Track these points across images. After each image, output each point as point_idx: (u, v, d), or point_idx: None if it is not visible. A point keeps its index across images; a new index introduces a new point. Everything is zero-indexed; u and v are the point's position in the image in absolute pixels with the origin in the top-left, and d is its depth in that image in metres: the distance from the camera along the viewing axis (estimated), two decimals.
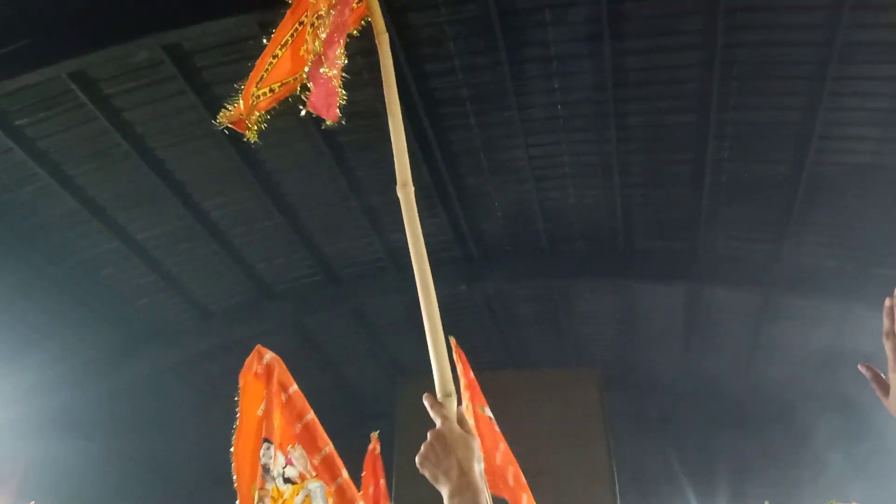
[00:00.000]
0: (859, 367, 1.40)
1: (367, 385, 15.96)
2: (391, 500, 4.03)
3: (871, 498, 10.45)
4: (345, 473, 2.58)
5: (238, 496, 2.48)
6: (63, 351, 12.88)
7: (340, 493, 2.51)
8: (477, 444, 1.20)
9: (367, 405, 15.78)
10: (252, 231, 11.70)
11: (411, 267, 2.04)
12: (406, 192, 2.02)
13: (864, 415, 10.47)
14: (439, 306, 1.86)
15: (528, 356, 14.98)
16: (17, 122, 9.04)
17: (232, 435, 2.58)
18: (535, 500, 3.82)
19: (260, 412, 2.54)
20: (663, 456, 14.42)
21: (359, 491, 2.95)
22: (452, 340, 4.31)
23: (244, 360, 3.30)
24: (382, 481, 4.14)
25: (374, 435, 4.41)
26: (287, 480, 2.48)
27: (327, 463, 2.54)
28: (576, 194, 11.26)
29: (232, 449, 2.56)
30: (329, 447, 2.61)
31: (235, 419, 2.62)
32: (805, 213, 10.28)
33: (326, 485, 2.53)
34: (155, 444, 15.55)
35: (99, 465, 14.72)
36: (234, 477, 2.51)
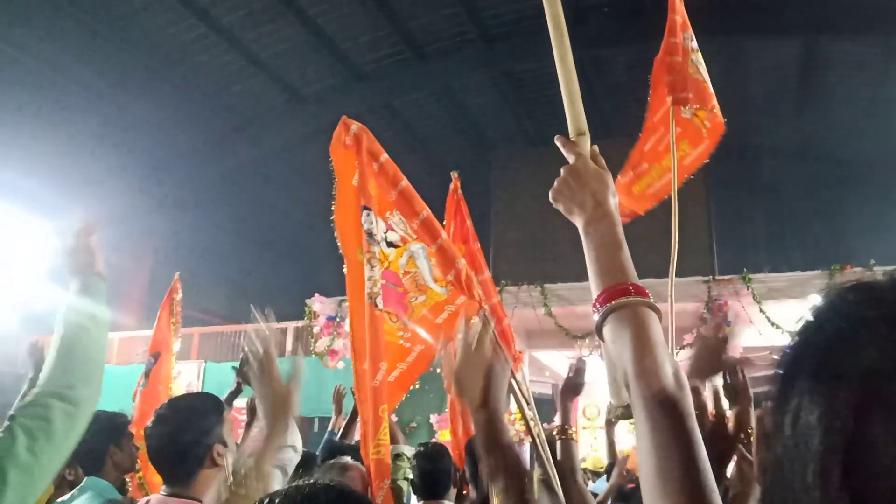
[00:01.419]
0: None
1: (459, 164, 16.10)
2: (489, 266, 4.00)
3: None
4: (444, 234, 2.64)
5: (345, 261, 2.58)
6: (168, 138, 13.56)
7: (441, 252, 2.58)
8: (611, 179, 1.15)
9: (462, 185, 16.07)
10: (334, 8, 11.28)
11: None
12: None
13: None
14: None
15: (626, 125, 14.48)
16: None
17: (332, 206, 2.64)
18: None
19: (354, 182, 2.57)
20: (766, 220, 14.21)
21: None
22: (453, 175, 4.18)
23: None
24: (469, 221, 3.97)
25: (455, 174, 4.18)
26: (390, 244, 2.57)
27: (426, 226, 2.59)
28: None
29: (333, 218, 2.63)
30: (426, 211, 2.65)
31: (334, 192, 2.66)
32: None
33: (427, 246, 2.60)
34: (262, 220, 16.70)
35: (212, 241, 16.10)
36: (339, 244, 2.60)
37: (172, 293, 4.89)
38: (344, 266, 2.62)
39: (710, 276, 9.21)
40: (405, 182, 2.64)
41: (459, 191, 4.08)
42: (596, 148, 1.22)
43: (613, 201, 1.13)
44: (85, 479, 2.67)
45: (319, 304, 9.01)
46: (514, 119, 14.36)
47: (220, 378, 10.08)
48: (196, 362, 10.45)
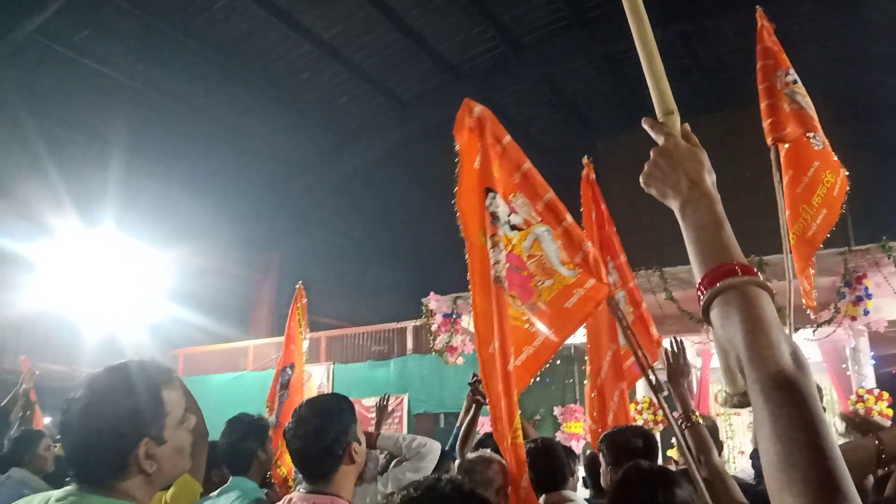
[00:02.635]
0: None
1: (565, 152, 15.88)
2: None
3: None
4: (569, 217, 2.59)
5: (466, 244, 2.56)
6: (285, 155, 14.29)
7: (567, 235, 2.54)
8: (706, 156, 1.10)
9: (565, 173, 15.85)
10: (428, 11, 11.46)
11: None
12: None
13: None
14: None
15: (736, 96, 13.75)
16: None
17: (454, 190, 2.64)
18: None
19: (476, 165, 2.54)
20: None
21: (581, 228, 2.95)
22: (585, 161, 4.04)
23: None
24: (603, 206, 3.92)
25: (586, 160, 4.05)
26: (513, 227, 2.54)
27: (550, 208, 2.56)
28: None
29: (455, 202, 2.61)
30: (551, 193, 2.60)
31: (456, 175, 2.65)
32: None
33: (553, 228, 2.56)
34: (376, 225, 17.20)
35: (331, 248, 16.74)
36: (461, 227, 2.59)
37: (297, 301, 5.09)
38: (465, 251, 2.59)
39: (846, 248, 8.56)
40: (528, 164, 2.61)
41: (592, 175, 4.01)
42: (687, 126, 1.17)
43: (710, 179, 1.07)
44: (231, 478, 2.86)
45: (435, 303, 9.17)
46: (618, 102, 14.00)
47: (348, 378, 10.52)
48: (325, 364, 10.94)
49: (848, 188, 3.39)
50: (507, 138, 2.60)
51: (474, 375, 3.64)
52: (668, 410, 2.28)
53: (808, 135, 3.21)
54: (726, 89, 13.48)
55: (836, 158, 3.36)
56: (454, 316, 8.98)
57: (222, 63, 11.62)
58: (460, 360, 8.96)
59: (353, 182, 15.21)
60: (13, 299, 10.39)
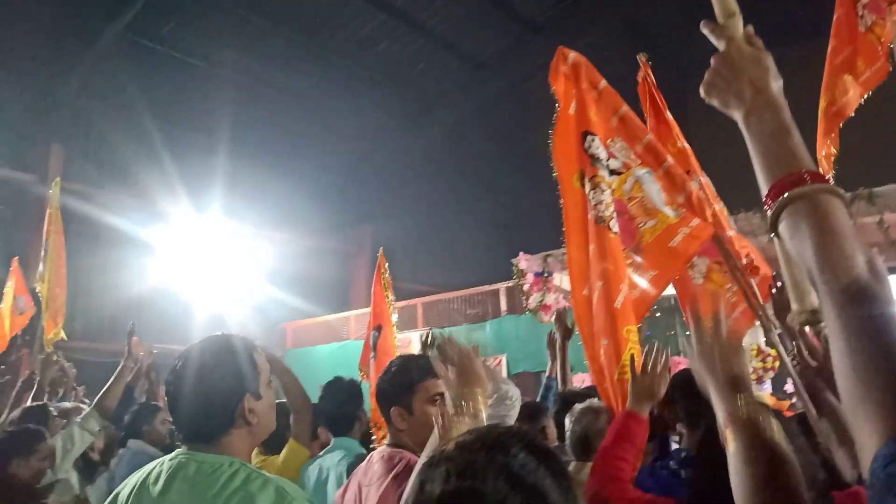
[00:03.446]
0: None
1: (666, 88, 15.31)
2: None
3: None
4: (670, 158, 2.51)
5: (560, 189, 2.56)
6: (368, 128, 14.47)
7: (669, 176, 2.47)
8: (771, 61, 1.02)
9: None
10: None
11: None
12: None
13: None
14: None
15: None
16: None
17: (549, 137, 2.62)
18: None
19: (572, 111, 2.53)
20: None
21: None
22: (641, 58, 3.68)
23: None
24: (668, 114, 3.29)
25: (642, 57, 3.51)
26: (612, 172, 2.51)
27: (650, 150, 2.49)
28: None
29: (550, 144, 2.60)
30: (650, 135, 2.54)
31: (553, 121, 2.64)
32: None
33: (653, 170, 2.50)
34: (462, 189, 17.18)
35: (420, 215, 16.90)
36: (555, 174, 2.58)
37: (380, 268, 5.23)
38: (561, 198, 2.59)
39: None
40: (626, 107, 2.56)
41: (651, 76, 3.55)
42: (750, 29, 1.08)
43: (776, 85, 0.99)
44: (333, 439, 2.98)
45: (525, 262, 9.12)
46: (702, 36, 13.25)
47: None
48: (421, 330, 11.17)
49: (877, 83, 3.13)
50: (603, 83, 2.56)
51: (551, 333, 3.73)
52: (783, 351, 2.19)
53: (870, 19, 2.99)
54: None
55: (879, 51, 3.09)
56: (545, 274, 8.91)
57: (303, 43, 11.86)
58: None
59: (435, 148, 15.25)
60: (134, 280, 11.26)
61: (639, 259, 2.46)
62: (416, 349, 10.97)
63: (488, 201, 17.72)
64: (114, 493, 1.56)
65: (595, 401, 2.58)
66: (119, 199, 11.27)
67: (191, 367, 1.52)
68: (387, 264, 5.23)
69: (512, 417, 2.22)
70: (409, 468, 1.78)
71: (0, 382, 4.91)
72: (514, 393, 2.26)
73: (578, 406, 2.62)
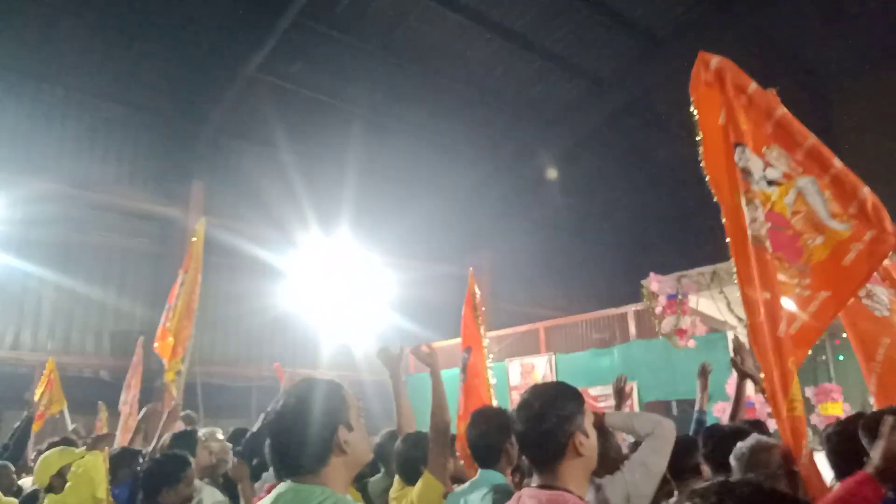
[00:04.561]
0: None
1: (795, 104, 14.29)
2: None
3: None
4: (837, 163, 2.22)
5: (722, 209, 2.31)
6: (485, 152, 14.50)
7: (837, 183, 2.18)
8: None
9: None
10: None
11: None
12: None
13: None
14: None
15: None
16: None
17: (698, 151, 2.39)
18: None
19: (721, 120, 2.29)
20: None
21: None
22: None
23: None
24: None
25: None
26: (770, 182, 2.24)
27: (813, 155, 2.21)
28: None
29: (702, 164, 2.37)
30: (811, 139, 2.26)
31: (698, 137, 2.41)
32: None
33: (818, 178, 2.22)
34: (583, 212, 16.78)
35: (541, 240, 16.65)
36: (713, 191, 2.35)
37: (470, 289, 5.09)
38: (722, 216, 2.35)
39: None
40: (782, 110, 2.32)
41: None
42: None
43: None
44: (479, 471, 2.82)
45: (656, 284, 8.63)
46: (843, 42, 12.26)
47: (571, 368, 10.34)
48: (546, 355, 10.88)
49: None
50: (753, 86, 2.31)
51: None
52: None
53: None
54: None
55: None
56: (679, 296, 8.40)
57: (420, 72, 12.08)
58: (691, 343, 8.36)
59: (555, 169, 15.01)
60: (267, 307, 11.81)
61: (806, 281, 2.17)
62: (539, 375, 10.70)
63: (611, 222, 17.21)
64: None
65: (762, 437, 2.31)
66: (255, 230, 11.90)
67: (289, 405, 1.69)
68: (476, 286, 5.10)
69: (667, 446, 2.03)
70: None
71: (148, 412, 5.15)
72: (662, 421, 2.06)
73: (748, 445, 2.34)
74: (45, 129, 10.52)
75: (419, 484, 2.90)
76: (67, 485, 3.46)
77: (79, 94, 10.81)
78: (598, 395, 8.90)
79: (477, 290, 5.12)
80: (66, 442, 4.65)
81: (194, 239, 6.69)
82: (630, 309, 10.50)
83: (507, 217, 15.55)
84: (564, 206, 16.35)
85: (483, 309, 5.02)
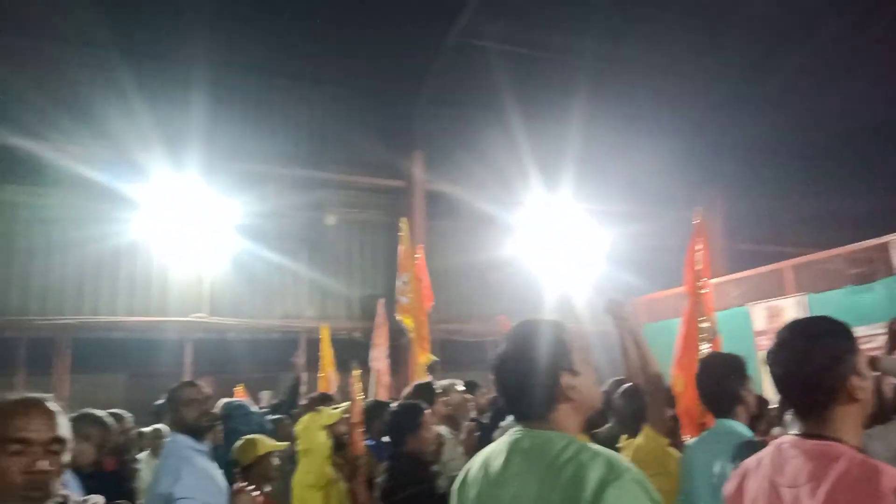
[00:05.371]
0: None
1: None
2: None
3: None
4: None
5: None
6: (705, 80, 13.43)
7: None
8: None
9: None
10: None
11: None
12: None
13: None
14: None
15: None
16: None
17: None
18: None
19: None
20: None
21: None
22: None
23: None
24: None
25: None
26: None
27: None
28: None
29: None
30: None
31: None
32: None
33: None
34: (821, 139, 14.87)
35: (778, 171, 15.12)
36: None
37: (699, 231, 4.86)
38: None
39: None
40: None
41: None
42: None
43: None
44: (716, 421, 2.69)
45: None
46: None
47: (826, 309, 9.28)
48: (795, 297, 9.89)
49: None
50: None
51: None
52: None
53: None
54: None
55: None
56: None
57: (628, 8, 11.49)
58: None
59: (786, 91, 13.45)
60: (493, 265, 12.54)
61: None
62: (788, 317, 9.78)
63: (857, 142, 15.04)
64: (465, 467, 1.76)
65: None
66: (476, 191, 12.46)
67: (512, 350, 1.67)
68: (703, 227, 4.78)
69: None
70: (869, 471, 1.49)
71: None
72: None
73: None
74: (292, 122, 12.13)
75: (640, 438, 2.84)
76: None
77: (307, 83, 12.22)
78: (861, 337, 7.93)
79: (702, 233, 4.85)
80: (324, 398, 5.24)
81: (400, 234, 7.66)
82: (893, 238, 9.18)
83: (736, 151, 14.36)
84: (803, 132, 14.63)
85: (703, 252, 4.74)
